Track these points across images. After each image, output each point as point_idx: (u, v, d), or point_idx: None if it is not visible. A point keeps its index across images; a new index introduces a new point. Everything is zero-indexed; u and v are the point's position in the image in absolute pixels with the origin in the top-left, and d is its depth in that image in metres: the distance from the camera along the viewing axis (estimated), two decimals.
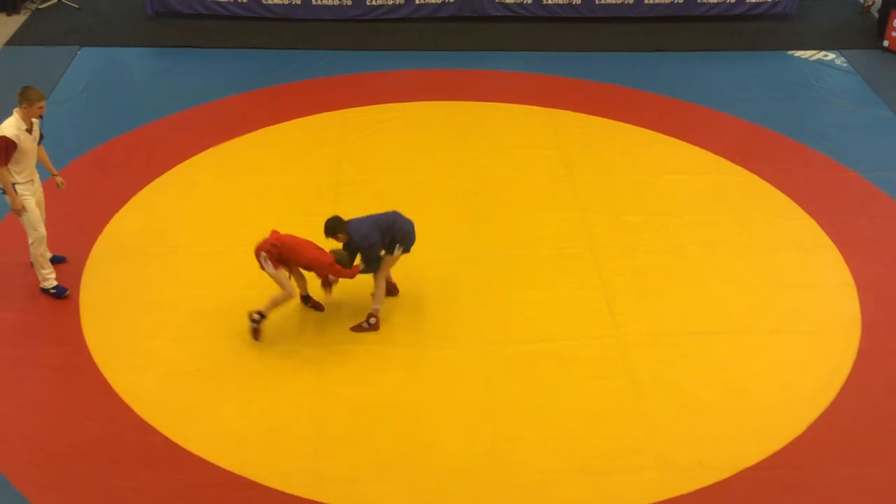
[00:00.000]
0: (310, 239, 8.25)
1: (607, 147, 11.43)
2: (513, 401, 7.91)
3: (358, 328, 8.44)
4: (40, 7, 14.63)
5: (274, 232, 8.22)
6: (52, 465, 7.19)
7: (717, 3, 14.49)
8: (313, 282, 8.55)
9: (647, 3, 14.47)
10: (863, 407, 7.90)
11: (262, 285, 8.22)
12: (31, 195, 8.47)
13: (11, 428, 7.49)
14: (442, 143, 11.41)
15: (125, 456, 7.29)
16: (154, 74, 13.01)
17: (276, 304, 8.23)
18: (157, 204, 10.18)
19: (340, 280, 8.46)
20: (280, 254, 8.07)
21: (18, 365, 8.07)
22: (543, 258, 9.56)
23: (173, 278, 9.13)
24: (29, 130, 8.29)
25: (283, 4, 14.20)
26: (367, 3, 14.29)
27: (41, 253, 8.62)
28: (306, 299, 8.70)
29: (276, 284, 8.19)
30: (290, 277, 8.23)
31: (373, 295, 8.46)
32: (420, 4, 14.35)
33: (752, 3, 14.55)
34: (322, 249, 8.18)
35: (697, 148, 11.43)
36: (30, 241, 8.59)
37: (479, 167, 10.98)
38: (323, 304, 8.69)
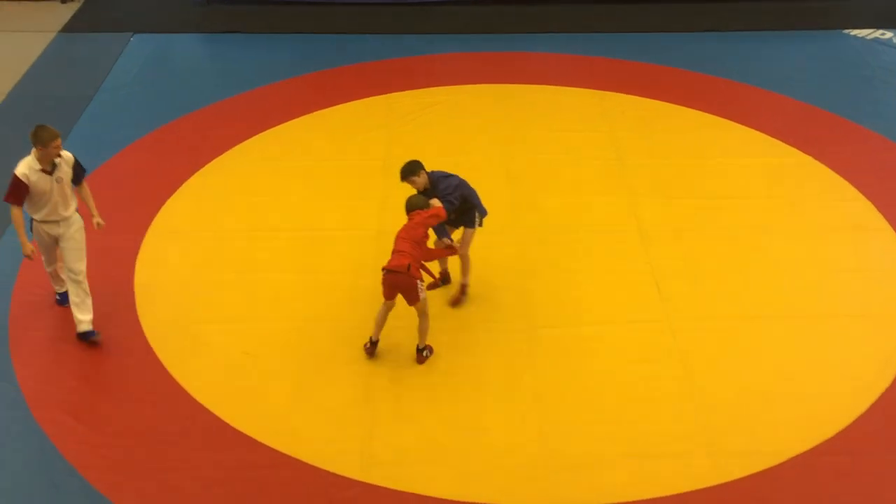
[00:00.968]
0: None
1: (658, 130, 11.31)
2: (560, 384, 7.88)
3: (456, 301, 8.58)
4: None
5: (404, 254, 7.71)
6: (107, 446, 7.32)
7: None
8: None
9: None
10: None
11: (313, 269, 8.25)
12: (45, 236, 8.06)
13: (68, 408, 7.64)
14: (490, 127, 11.38)
15: (179, 436, 7.40)
16: (204, 60, 13.14)
17: (426, 331, 8.01)
18: (209, 189, 10.30)
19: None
20: (420, 264, 7.79)
21: (75, 346, 8.22)
22: (592, 241, 9.50)
23: (224, 262, 9.23)
24: (47, 171, 7.80)
25: None
26: None
27: (71, 295, 8.18)
28: (377, 345, 8.15)
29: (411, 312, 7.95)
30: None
31: (462, 270, 8.58)
32: None
33: None
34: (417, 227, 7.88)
35: (750, 130, 11.26)
36: (44, 265, 8.37)
37: (528, 150, 10.93)
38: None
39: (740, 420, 7.54)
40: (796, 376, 7.95)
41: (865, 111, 11.60)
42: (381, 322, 8.01)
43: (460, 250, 8.39)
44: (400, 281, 7.70)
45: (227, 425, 7.46)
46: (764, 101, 11.89)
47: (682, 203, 10.01)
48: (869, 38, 13.43)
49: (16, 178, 7.74)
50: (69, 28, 13.87)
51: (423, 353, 8.04)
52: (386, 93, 12.06)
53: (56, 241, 8.08)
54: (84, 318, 8.12)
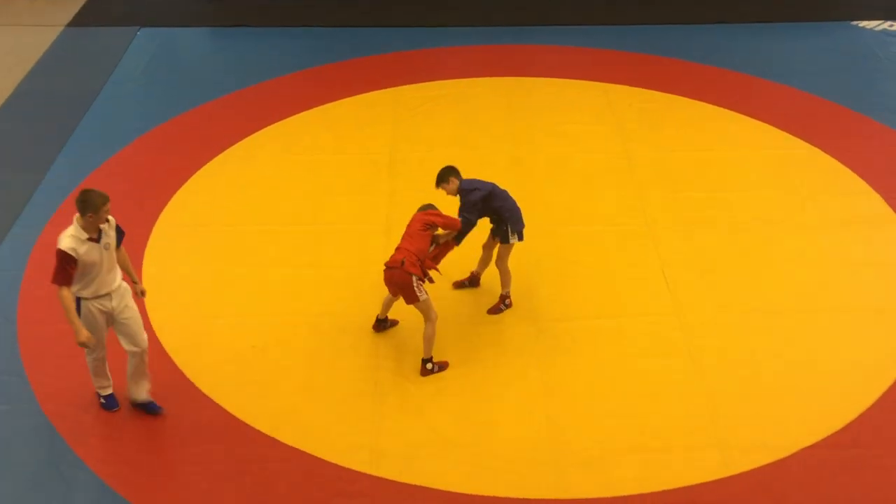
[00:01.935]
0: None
1: (665, 122, 11.29)
2: (569, 378, 7.88)
3: (495, 310, 8.46)
4: None
5: (401, 249, 7.66)
6: (116, 440, 7.34)
7: None
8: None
9: None
10: None
11: (322, 263, 8.27)
12: (98, 314, 7.05)
13: (76, 403, 7.65)
14: (496, 120, 11.36)
15: (188, 430, 7.42)
16: (211, 54, 13.13)
17: (432, 339, 7.79)
18: (216, 183, 10.31)
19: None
20: (418, 258, 7.61)
21: None
22: (600, 235, 9.49)
23: (232, 256, 9.24)
24: (94, 239, 6.86)
25: None
26: None
27: (98, 366, 7.43)
28: (384, 322, 8.28)
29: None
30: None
31: (501, 282, 8.49)
32: None
33: None
34: (416, 222, 7.83)
35: (759, 122, 11.23)
36: (87, 353, 7.34)
37: (534, 144, 10.92)
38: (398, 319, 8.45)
39: (749, 413, 7.54)
40: (804, 370, 7.94)
41: (874, 103, 11.56)
42: (387, 304, 8.10)
43: (498, 264, 8.35)
44: (395, 277, 7.62)
45: (235, 419, 7.48)
46: (772, 93, 11.86)
47: (689, 196, 9.99)
48: (878, 29, 13.38)
49: (63, 254, 6.71)
50: (76, 22, 13.87)
51: (426, 366, 7.85)
52: (393, 86, 12.05)
53: (109, 318, 7.12)
54: (146, 386, 7.44)
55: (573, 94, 11.85)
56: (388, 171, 10.39)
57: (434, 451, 7.25)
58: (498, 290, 8.56)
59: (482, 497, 6.89)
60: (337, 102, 11.74)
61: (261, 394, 7.75)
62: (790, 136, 10.94)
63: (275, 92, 12.00)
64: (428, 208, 7.98)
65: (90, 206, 6.74)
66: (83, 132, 11.16)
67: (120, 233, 7.17)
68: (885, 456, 7.17)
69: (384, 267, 7.75)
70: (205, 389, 7.76)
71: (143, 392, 7.44)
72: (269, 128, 11.24)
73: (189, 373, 7.92)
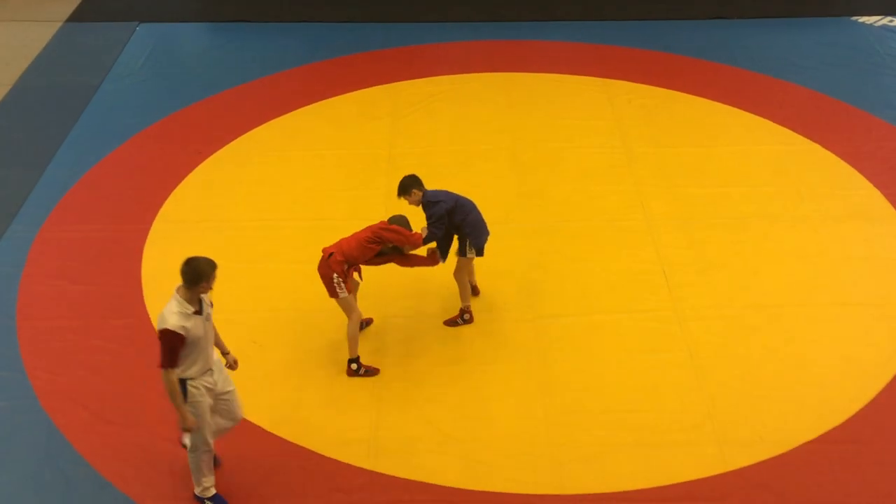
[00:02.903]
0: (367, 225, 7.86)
1: (664, 118, 11.28)
2: (568, 373, 7.89)
3: (452, 322, 8.30)
4: None
5: (337, 245, 7.61)
6: (116, 435, 7.35)
7: None
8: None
9: None
10: None
11: (316, 259, 8.22)
12: (206, 393, 6.42)
13: (75, 398, 7.66)
14: (495, 116, 11.35)
15: None
16: (210, 50, 13.11)
17: (355, 338, 7.74)
18: (215, 178, 10.30)
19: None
20: (347, 261, 7.55)
21: (83, 336, 8.25)
22: (598, 230, 9.49)
23: (231, 251, 9.23)
24: (198, 311, 6.26)
25: None
26: None
27: (204, 461, 6.66)
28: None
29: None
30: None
31: (459, 295, 8.28)
32: None
33: None
34: (367, 230, 7.71)
35: (758, 117, 11.23)
36: (189, 447, 6.61)
37: (534, 139, 10.91)
38: (372, 318, 8.40)
39: (747, 409, 7.54)
40: (803, 365, 7.94)
41: (873, 99, 11.55)
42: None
43: (455, 275, 8.15)
44: (320, 267, 7.60)
45: None
46: (771, 88, 11.85)
47: (688, 192, 9.99)
48: (877, 24, 13.36)
49: (172, 335, 6.05)
50: (75, 17, 13.86)
51: (351, 366, 7.79)
52: (391, 82, 12.04)
53: (215, 396, 6.53)
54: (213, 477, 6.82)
55: (572, 90, 11.84)
56: (386, 166, 10.39)
57: (432, 447, 7.26)
58: (493, 296, 8.53)
59: (480, 492, 6.90)
60: (335, 98, 11.73)
61: (260, 389, 7.75)
62: (790, 132, 10.94)
63: (274, 87, 11.99)
64: (396, 221, 7.77)
65: (203, 276, 6.11)
66: (82, 128, 11.15)
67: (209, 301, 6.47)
68: (884, 451, 7.18)
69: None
70: None
71: (210, 488, 6.81)
72: (267, 123, 11.23)
73: None
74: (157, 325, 6.12)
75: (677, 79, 12.01)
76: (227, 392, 6.59)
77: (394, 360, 8.02)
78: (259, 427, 7.39)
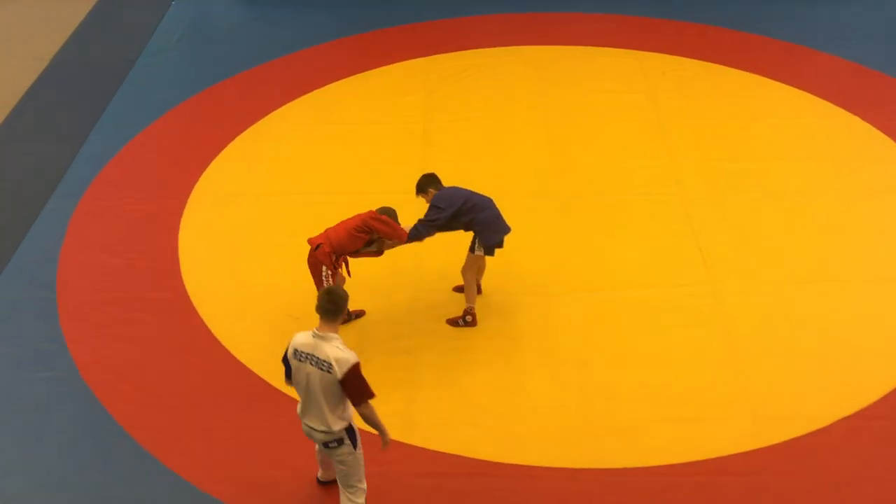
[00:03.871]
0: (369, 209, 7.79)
1: (700, 90, 11.17)
2: (602, 348, 7.88)
3: (454, 322, 8.09)
4: None
5: (325, 235, 7.53)
6: (154, 406, 7.45)
7: None
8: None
9: None
10: None
11: None
12: None
13: (115, 369, 7.77)
14: (529, 89, 11.30)
15: (223, 398, 7.51)
16: (245, 24, 13.14)
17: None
18: (250, 152, 10.36)
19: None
20: (335, 251, 7.45)
21: (122, 308, 8.36)
22: (632, 205, 9.44)
23: (266, 225, 9.31)
24: None
25: None
26: None
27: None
28: (348, 313, 7.89)
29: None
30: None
31: (465, 294, 8.05)
32: None
33: None
34: (355, 218, 7.63)
35: (794, 89, 11.09)
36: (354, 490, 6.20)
37: (567, 113, 10.86)
38: (364, 309, 8.25)
39: (783, 384, 7.50)
40: (840, 340, 7.88)
41: None
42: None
43: (462, 271, 7.90)
44: (308, 257, 7.52)
45: (271, 387, 7.55)
46: (809, 60, 11.68)
47: (724, 165, 9.90)
48: None
49: (358, 365, 5.79)
50: None
51: None
52: (425, 55, 12.01)
53: None
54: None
55: (606, 62, 11.75)
56: (421, 140, 10.39)
57: (466, 420, 7.30)
58: (526, 271, 8.51)
59: (514, 465, 6.93)
60: (370, 72, 11.73)
61: None
62: (827, 104, 10.79)
63: (308, 62, 12.01)
64: (385, 212, 7.66)
65: (342, 307, 5.83)
66: (118, 103, 11.25)
67: None
68: None
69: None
70: (241, 357, 7.85)
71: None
72: (302, 97, 11.26)
73: (225, 341, 8.01)
74: (338, 369, 5.66)
75: (712, 51, 11.88)
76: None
77: (428, 334, 8.05)
78: (294, 399, 7.45)
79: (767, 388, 7.46)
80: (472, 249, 7.85)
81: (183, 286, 8.57)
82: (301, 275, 8.65)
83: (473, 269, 7.99)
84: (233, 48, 12.45)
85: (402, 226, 7.70)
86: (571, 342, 7.94)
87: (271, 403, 7.43)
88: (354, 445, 6.02)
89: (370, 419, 5.95)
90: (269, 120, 10.87)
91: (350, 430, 5.96)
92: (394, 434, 7.13)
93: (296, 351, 5.84)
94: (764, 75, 11.36)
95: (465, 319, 8.07)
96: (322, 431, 5.89)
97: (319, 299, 5.80)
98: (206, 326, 8.16)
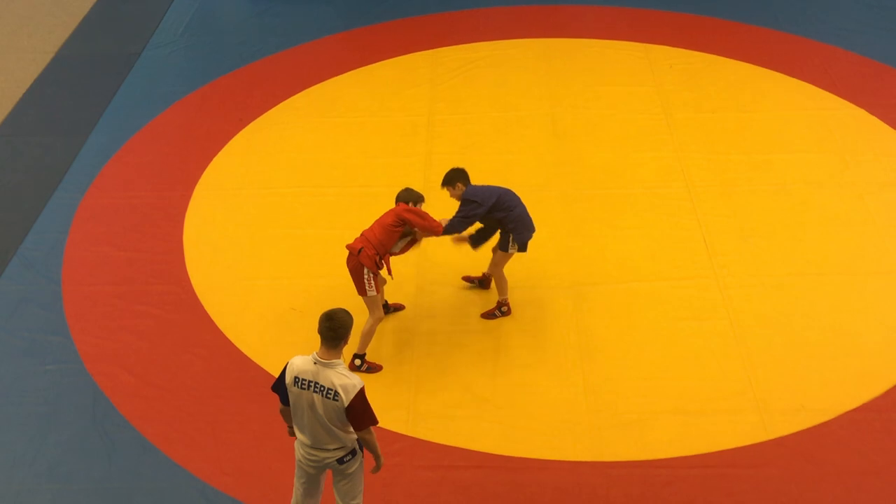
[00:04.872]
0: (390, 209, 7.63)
1: (706, 83, 11.13)
2: (606, 340, 7.87)
3: (489, 315, 8.10)
4: None
5: (363, 238, 7.39)
6: (159, 399, 7.47)
7: None
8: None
9: None
10: None
11: (360, 225, 8.25)
12: None
13: (120, 362, 7.79)
14: (535, 82, 11.27)
15: (228, 390, 7.52)
16: (249, 17, 13.12)
17: (369, 335, 7.54)
18: (255, 145, 10.35)
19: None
20: (378, 251, 7.31)
21: (127, 301, 8.37)
22: (638, 197, 9.42)
23: (270, 218, 9.30)
24: None
25: None
26: None
27: None
28: (385, 306, 8.03)
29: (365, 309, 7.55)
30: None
31: (497, 288, 8.09)
32: None
33: None
34: (389, 215, 7.44)
35: (801, 82, 11.04)
36: None
37: (573, 105, 10.83)
38: (403, 304, 8.26)
39: (789, 377, 7.49)
40: (846, 333, 7.86)
41: None
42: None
43: (491, 269, 7.94)
44: (349, 262, 7.38)
45: (274, 380, 7.53)
46: (816, 52, 11.64)
47: (730, 158, 9.87)
48: None
49: (364, 391, 5.62)
50: None
51: (355, 362, 7.57)
52: (431, 48, 11.98)
53: None
54: None
55: (613, 55, 11.72)
56: (425, 132, 10.37)
57: (471, 413, 7.30)
58: (532, 264, 8.49)
59: (518, 458, 6.93)
60: (375, 64, 11.71)
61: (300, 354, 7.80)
62: (834, 97, 10.75)
63: (313, 54, 11.99)
64: (412, 196, 7.57)
65: (344, 335, 5.61)
66: (124, 95, 11.25)
67: None
68: None
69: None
70: (245, 350, 7.86)
71: None
72: (307, 90, 11.25)
73: (229, 333, 8.02)
74: (345, 397, 5.49)
75: (719, 43, 11.83)
76: None
77: (433, 326, 8.05)
78: None
79: (773, 381, 7.45)
80: (503, 248, 7.76)
81: (188, 279, 8.58)
82: (305, 268, 8.69)
83: (502, 266, 7.95)
84: (237, 40, 12.44)
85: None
86: (577, 335, 7.93)
87: (275, 396, 7.40)
88: (362, 452, 5.89)
89: (370, 444, 5.77)
90: (273, 112, 10.86)
91: (358, 440, 5.82)
92: (399, 427, 7.18)
93: (296, 378, 5.62)
94: (771, 68, 11.32)
95: (501, 310, 8.09)
96: (336, 448, 5.73)
97: (320, 324, 5.53)
98: (210, 319, 8.17)
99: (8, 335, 8.06)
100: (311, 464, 5.83)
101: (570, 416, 7.24)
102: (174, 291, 8.46)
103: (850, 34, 11.93)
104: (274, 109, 10.92)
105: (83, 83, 11.56)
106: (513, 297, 8.26)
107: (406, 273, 8.47)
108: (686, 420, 7.17)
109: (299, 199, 9.55)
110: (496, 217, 7.68)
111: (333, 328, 5.51)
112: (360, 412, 5.58)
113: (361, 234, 7.45)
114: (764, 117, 10.50)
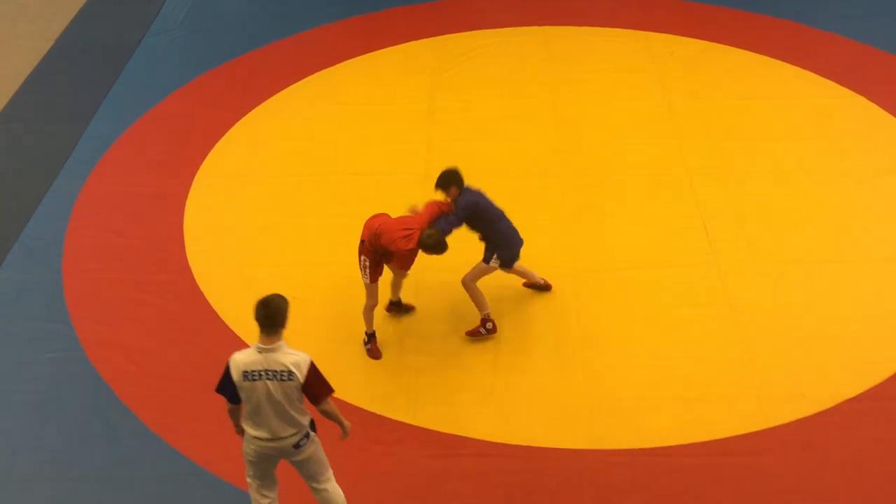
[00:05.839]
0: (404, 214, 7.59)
1: (706, 71, 11.12)
2: (606, 327, 7.89)
3: (474, 333, 7.79)
4: None
5: (370, 222, 7.43)
6: (160, 386, 7.48)
7: None
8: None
9: None
10: None
11: (360, 213, 8.26)
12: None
13: (121, 350, 7.80)
14: (536, 70, 11.26)
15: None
16: (251, 4, 13.08)
17: (369, 316, 7.63)
18: (256, 133, 10.34)
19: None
20: (372, 246, 7.32)
21: (128, 289, 8.38)
22: (638, 185, 9.42)
23: (271, 206, 9.31)
24: None
25: None
26: None
27: None
28: (398, 305, 8.04)
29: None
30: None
31: (475, 303, 7.75)
32: None
33: None
34: (410, 230, 7.24)
35: (801, 70, 11.03)
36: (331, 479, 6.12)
37: (574, 93, 10.81)
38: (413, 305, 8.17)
39: (788, 365, 7.50)
40: (845, 321, 7.87)
41: None
42: (396, 286, 7.89)
43: (464, 280, 7.61)
44: (408, 247, 7.21)
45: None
46: (816, 39, 11.61)
47: (730, 145, 9.87)
48: None
49: (314, 363, 5.73)
50: None
51: (363, 339, 7.71)
52: (433, 36, 11.96)
53: None
54: None
55: (613, 43, 11.69)
56: (427, 120, 10.36)
57: (471, 401, 7.32)
58: (532, 252, 8.44)
59: (518, 446, 6.95)
60: (377, 52, 11.69)
61: (300, 342, 7.76)
62: (834, 84, 10.74)
63: (315, 42, 11.97)
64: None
65: (280, 320, 5.62)
66: (124, 83, 11.24)
67: None
68: None
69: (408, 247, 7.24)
70: (246, 338, 7.86)
71: None
72: (308, 78, 11.23)
73: (230, 321, 8.04)
74: (298, 373, 5.55)
75: (719, 31, 11.81)
76: None
77: (433, 314, 8.06)
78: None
79: (773, 369, 7.46)
80: (486, 260, 7.60)
81: (188, 267, 8.59)
82: (306, 256, 8.70)
83: (478, 278, 7.68)
84: (238, 27, 12.41)
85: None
86: (576, 322, 7.94)
87: None
88: (315, 431, 5.89)
89: (331, 413, 5.80)
90: (275, 100, 10.85)
91: (311, 420, 5.84)
92: (400, 415, 7.20)
93: (245, 373, 5.57)
94: (771, 56, 11.29)
95: (486, 327, 7.77)
96: (292, 434, 5.73)
97: (256, 311, 5.53)
98: (211, 307, 8.18)
99: (9, 323, 8.08)
100: (266, 456, 5.84)
101: (570, 404, 7.26)
102: (175, 279, 8.47)
103: (851, 22, 11.90)
104: (275, 97, 10.91)
105: (83, 71, 11.54)
106: (513, 285, 8.26)
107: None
108: (685, 407, 7.19)
109: (300, 187, 9.55)
110: (478, 228, 7.52)
111: (269, 315, 5.53)
112: (316, 384, 5.63)
113: (413, 229, 7.21)
114: (764, 105, 10.49)
